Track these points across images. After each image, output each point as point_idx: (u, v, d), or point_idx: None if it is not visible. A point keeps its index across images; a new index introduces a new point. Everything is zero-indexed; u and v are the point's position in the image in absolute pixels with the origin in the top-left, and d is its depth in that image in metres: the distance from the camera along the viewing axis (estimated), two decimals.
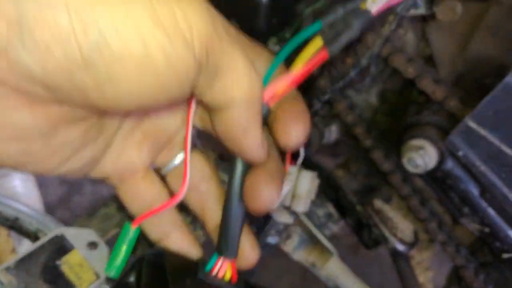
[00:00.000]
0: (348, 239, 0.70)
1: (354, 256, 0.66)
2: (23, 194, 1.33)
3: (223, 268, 0.41)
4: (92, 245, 0.48)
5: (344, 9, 0.33)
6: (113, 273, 0.43)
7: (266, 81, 0.37)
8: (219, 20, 0.30)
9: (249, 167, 0.39)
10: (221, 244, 0.40)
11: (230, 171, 0.40)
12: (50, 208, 1.62)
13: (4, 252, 1.20)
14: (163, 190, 0.42)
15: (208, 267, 0.41)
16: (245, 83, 0.31)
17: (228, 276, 0.41)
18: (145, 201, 0.41)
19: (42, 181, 1.47)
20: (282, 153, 0.40)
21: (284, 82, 0.37)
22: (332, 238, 0.69)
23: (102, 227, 0.73)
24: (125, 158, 0.39)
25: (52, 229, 0.53)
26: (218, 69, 0.29)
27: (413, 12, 0.47)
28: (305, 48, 0.36)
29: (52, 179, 1.73)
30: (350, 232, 0.61)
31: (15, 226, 0.67)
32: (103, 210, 0.78)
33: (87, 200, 1.76)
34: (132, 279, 0.43)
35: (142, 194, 0.41)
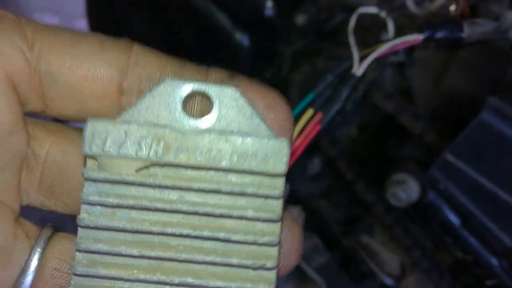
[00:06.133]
0: (335, 269, 0.71)
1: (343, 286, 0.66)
2: None
3: None
4: None
5: (332, 75, 0.34)
6: None
7: None
8: None
9: None
10: None
11: None
12: None
13: None
14: None
15: None
16: None
17: None
18: None
19: None
20: None
21: None
22: (319, 270, 0.69)
23: None
24: None
25: None
26: None
27: (392, 59, 0.49)
28: (299, 121, 0.36)
29: None
30: (337, 264, 0.62)
31: None
32: None
33: None
34: None
35: None
